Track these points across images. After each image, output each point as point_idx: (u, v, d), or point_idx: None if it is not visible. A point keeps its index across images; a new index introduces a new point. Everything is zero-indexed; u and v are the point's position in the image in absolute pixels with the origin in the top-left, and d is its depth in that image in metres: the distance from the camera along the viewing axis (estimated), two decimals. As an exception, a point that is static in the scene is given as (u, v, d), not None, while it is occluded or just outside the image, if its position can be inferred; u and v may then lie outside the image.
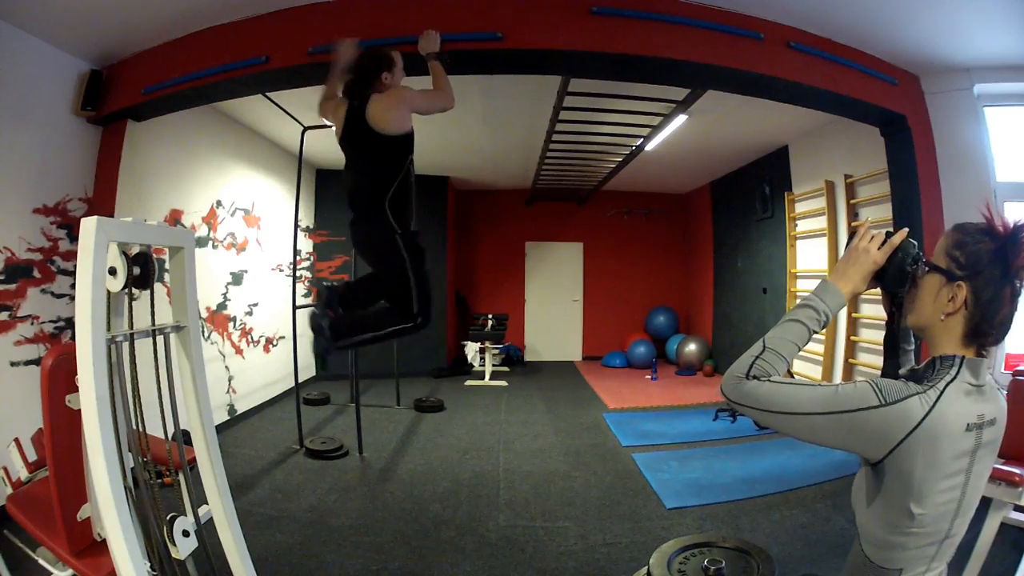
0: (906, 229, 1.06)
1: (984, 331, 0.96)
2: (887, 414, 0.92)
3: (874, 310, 4.28)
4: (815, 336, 1.08)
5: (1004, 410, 1.00)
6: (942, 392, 0.93)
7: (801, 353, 1.07)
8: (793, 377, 1.03)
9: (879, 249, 1.04)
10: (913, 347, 1.17)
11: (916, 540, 0.97)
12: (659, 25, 2.73)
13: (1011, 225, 0.95)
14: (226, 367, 4.87)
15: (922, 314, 1.02)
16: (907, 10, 2.81)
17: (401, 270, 2.25)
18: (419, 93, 2.25)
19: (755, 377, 1.00)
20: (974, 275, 0.95)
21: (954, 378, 0.95)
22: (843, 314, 4.35)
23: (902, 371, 1.04)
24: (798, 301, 1.08)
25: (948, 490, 0.94)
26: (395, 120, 2.17)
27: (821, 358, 4.82)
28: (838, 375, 4.64)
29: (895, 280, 1.05)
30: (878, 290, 1.10)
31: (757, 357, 1.01)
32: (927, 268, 1.01)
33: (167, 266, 1.66)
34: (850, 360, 4.51)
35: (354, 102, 2.21)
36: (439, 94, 2.34)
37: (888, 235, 1.06)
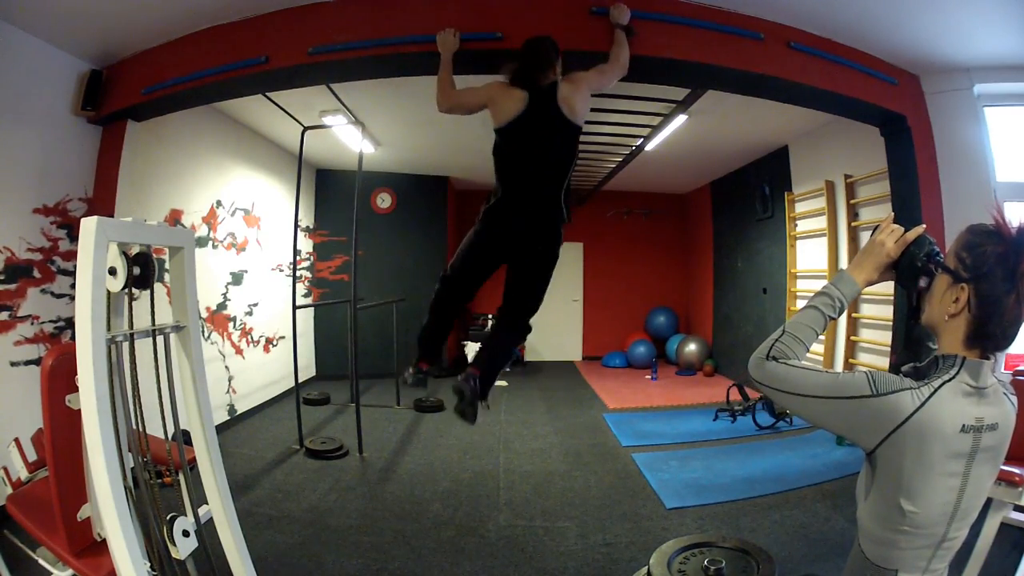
0: (923, 226, 1.07)
1: (987, 334, 0.95)
2: (878, 405, 0.94)
3: (875, 310, 4.28)
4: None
5: (1010, 416, 0.98)
6: (936, 390, 0.93)
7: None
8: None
9: (895, 243, 1.07)
10: (937, 346, 1.18)
11: (910, 540, 0.97)
12: (659, 25, 2.73)
13: (1017, 227, 0.93)
14: (226, 367, 4.87)
15: (931, 313, 1.03)
16: (907, 10, 2.81)
17: (553, 263, 2.27)
18: (594, 74, 2.30)
19: (774, 358, 1.05)
20: (978, 277, 0.94)
21: (952, 378, 0.94)
22: (844, 314, 4.35)
23: (905, 368, 1.04)
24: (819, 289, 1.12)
25: (942, 491, 0.94)
26: (584, 109, 2.23)
27: (821, 357, 4.82)
28: (838, 375, 4.64)
29: (905, 275, 1.07)
30: (880, 290, 1.11)
31: (776, 340, 1.07)
32: (937, 268, 1.02)
33: (167, 266, 1.66)
34: (850, 360, 4.52)
35: (535, 89, 2.18)
36: (615, 65, 2.40)
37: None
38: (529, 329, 2.37)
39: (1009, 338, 0.96)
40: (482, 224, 2.30)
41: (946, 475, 0.93)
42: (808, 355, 1.09)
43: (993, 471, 0.99)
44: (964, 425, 0.92)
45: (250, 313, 5.33)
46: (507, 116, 2.20)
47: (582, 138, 5.58)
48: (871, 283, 1.10)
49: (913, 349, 1.11)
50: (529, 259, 2.28)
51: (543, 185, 2.21)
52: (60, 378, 1.52)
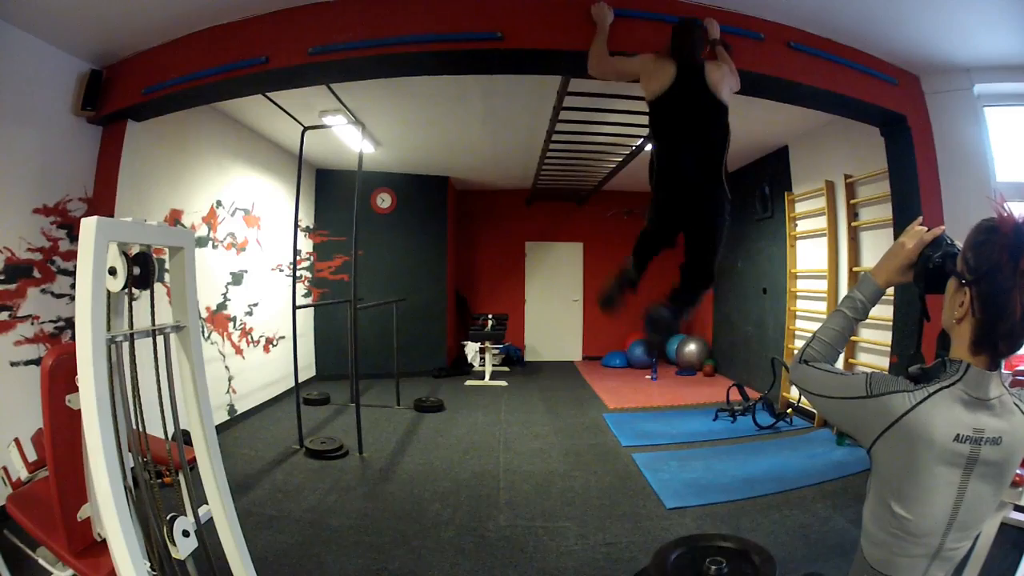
0: (942, 227, 1.05)
1: (991, 339, 0.90)
2: (872, 405, 0.94)
3: (875, 310, 4.26)
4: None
5: (1020, 431, 0.92)
6: (930, 395, 0.91)
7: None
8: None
9: (914, 245, 1.07)
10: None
11: (902, 546, 0.95)
12: (659, 25, 2.73)
13: (1015, 222, 0.87)
14: (226, 367, 4.87)
15: (943, 317, 0.99)
16: (907, 10, 2.81)
17: (721, 233, 2.39)
18: (729, 71, 2.44)
19: (805, 361, 1.11)
20: (979, 279, 0.90)
21: (951, 384, 0.92)
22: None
23: (912, 368, 1.01)
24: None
25: (936, 499, 0.92)
26: (729, 94, 2.38)
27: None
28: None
29: (918, 277, 1.06)
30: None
31: (808, 344, 1.13)
32: (949, 270, 0.99)
33: (167, 266, 1.66)
34: (850, 360, 4.51)
35: (685, 64, 2.30)
36: (735, 73, 2.53)
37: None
38: (710, 279, 2.51)
39: (1015, 342, 0.90)
40: (656, 189, 2.46)
41: (939, 483, 0.91)
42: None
43: (997, 489, 0.94)
44: (959, 434, 0.89)
45: (250, 313, 5.33)
46: (659, 88, 2.32)
47: (583, 137, 5.61)
48: (892, 284, 1.11)
49: (936, 352, 1.06)
50: (697, 227, 2.42)
51: (702, 154, 2.33)
52: (60, 378, 1.52)
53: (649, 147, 5.24)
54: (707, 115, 2.34)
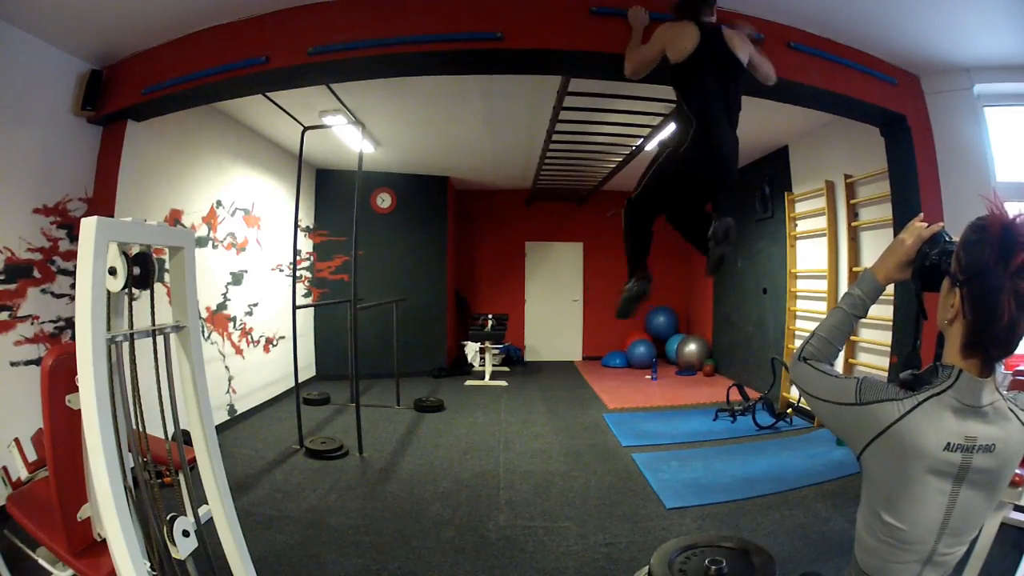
0: (940, 224, 1.04)
1: (982, 342, 0.88)
2: (860, 414, 0.93)
3: (874, 310, 4.25)
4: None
5: (1014, 438, 0.90)
6: (919, 403, 0.89)
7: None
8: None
9: (913, 241, 1.05)
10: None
11: (894, 553, 0.94)
12: (659, 25, 2.73)
13: (1003, 221, 0.85)
14: (226, 367, 4.87)
15: (938, 317, 0.97)
16: (907, 10, 2.81)
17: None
18: (751, 45, 2.47)
19: (804, 359, 1.08)
20: (970, 279, 0.88)
21: (941, 392, 0.90)
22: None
23: (903, 374, 1.00)
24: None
25: (928, 507, 0.90)
26: (746, 55, 2.42)
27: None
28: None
29: (916, 274, 1.04)
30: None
31: (807, 342, 1.10)
32: (944, 269, 0.97)
33: (167, 266, 1.66)
34: (850, 360, 4.51)
35: (703, 26, 2.34)
36: (767, 61, 2.58)
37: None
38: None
39: (1005, 346, 0.87)
40: (686, 151, 2.42)
41: (930, 492, 0.89)
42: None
43: (990, 495, 0.92)
44: (950, 443, 0.87)
45: (250, 313, 5.33)
46: (684, 51, 2.34)
47: (583, 137, 5.60)
48: (892, 281, 1.08)
49: (935, 352, 1.03)
50: (719, 180, 2.47)
51: (728, 115, 2.40)
52: (60, 378, 1.52)
53: (650, 146, 5.27)
54: (730, 76, 2.40)
